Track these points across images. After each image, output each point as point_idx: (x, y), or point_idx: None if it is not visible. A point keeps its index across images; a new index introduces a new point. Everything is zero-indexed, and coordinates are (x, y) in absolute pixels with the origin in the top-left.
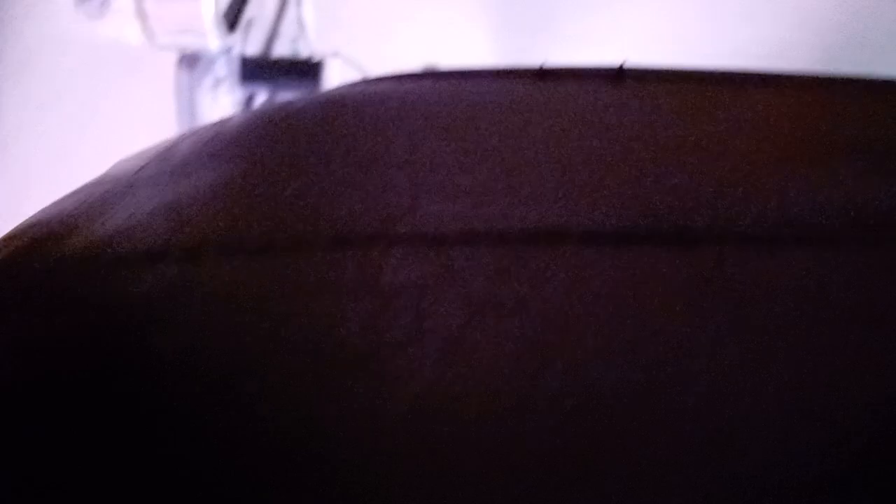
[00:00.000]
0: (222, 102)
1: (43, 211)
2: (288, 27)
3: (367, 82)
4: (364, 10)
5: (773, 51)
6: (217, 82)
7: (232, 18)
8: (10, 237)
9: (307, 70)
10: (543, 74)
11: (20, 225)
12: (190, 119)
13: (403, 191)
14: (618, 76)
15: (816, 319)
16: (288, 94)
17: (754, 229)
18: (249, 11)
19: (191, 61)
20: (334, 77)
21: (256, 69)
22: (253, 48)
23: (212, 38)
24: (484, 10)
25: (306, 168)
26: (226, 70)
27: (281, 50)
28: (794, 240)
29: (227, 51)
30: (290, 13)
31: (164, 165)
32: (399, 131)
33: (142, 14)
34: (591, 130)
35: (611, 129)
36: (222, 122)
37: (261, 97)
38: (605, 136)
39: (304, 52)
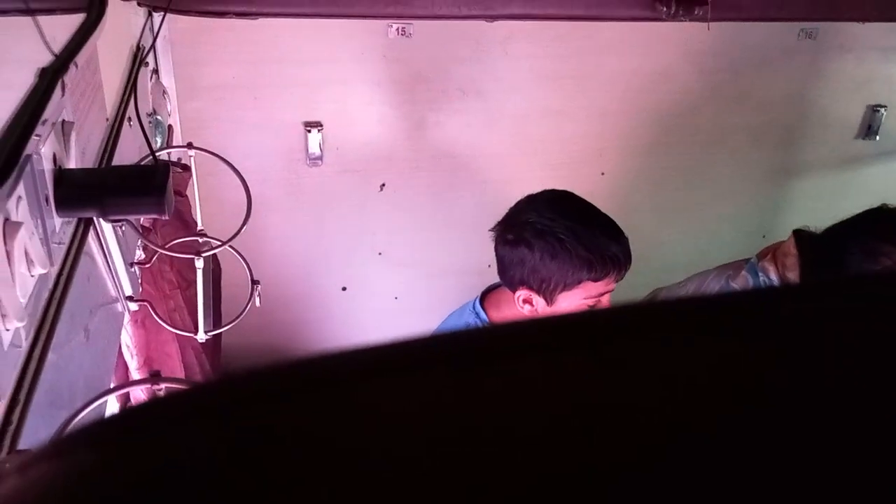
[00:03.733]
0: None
1: None
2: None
3: None
4: (232, 78)
5: (652, 78)
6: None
7: None
8: None
9: (148, 178)
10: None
11: None
12: None
13: None
14: None
15: None
16: (124, 214)
17: None
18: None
19: None
20: (193, 170)
21: (78, 187)
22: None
23: None
24: (361, 68)
25: None
26: (23, 205)
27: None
28: None
29: None
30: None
31: None
32: None
33: None
34: None
35: None
36: None
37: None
38: None
39: (163, 130)
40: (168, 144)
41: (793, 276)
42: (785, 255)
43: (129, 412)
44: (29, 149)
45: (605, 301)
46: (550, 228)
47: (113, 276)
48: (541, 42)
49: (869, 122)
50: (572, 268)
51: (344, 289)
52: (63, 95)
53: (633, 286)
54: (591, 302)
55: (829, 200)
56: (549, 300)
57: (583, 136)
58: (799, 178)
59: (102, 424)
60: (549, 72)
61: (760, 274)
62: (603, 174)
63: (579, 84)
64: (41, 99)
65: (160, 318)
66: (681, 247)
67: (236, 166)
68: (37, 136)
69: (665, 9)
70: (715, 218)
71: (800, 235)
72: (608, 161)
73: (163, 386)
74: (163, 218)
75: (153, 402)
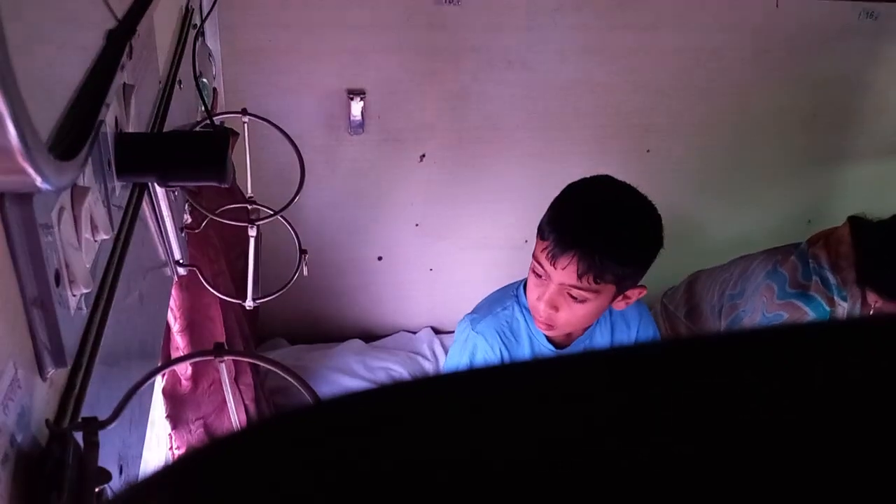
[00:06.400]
0: (93, 218)
1: None
2: (187, 69)
3: None
4: (277, 43)
5: (704, 55)
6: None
7: (68, 143)
8: None
9: (209, 145)
10: None
11: None
12: (33, 264)
13: None
14: None
15: None
16: (183, 181)
17: None
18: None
19: (19, 199)
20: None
21: (139, 152)
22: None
23: (34, 177)
24: (407, 36)
25: None
26: (89, 174)
27: (179, 114)
28: None
29: (65, 185)
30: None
31: None
32: None
33: None
34: None
35: None
36: None
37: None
38: None
39: (209, 93)
40: (213, 108)
41: (846, 264)
42: (838, 243)
43: (215, 451)
44: (99, 115)
45: (552, 293)
46: (576, 186)
47: (164, 241)
48: (591, 13)
49: None
50: (544, 215)
51: (380, 258)
52: (130, 59)
53: (676, 267)
54: (533, 263)
55: (878, 188)
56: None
57: (630, 112)
58: (849, 163)
59: (193, 465)
60: (599, 44)
61: (811, 261)
62: (648, 151)
63: (629, 58)
64: (111, 64)
65: (208, 283)
66: (724, 229)
67: (277, 131)
68: (106, 104)
69: None
70: (760, 201)
71: (856, 222)
72: (654, 139)
73: (226, 358)
74: (222, 185)
75: (237, 439)
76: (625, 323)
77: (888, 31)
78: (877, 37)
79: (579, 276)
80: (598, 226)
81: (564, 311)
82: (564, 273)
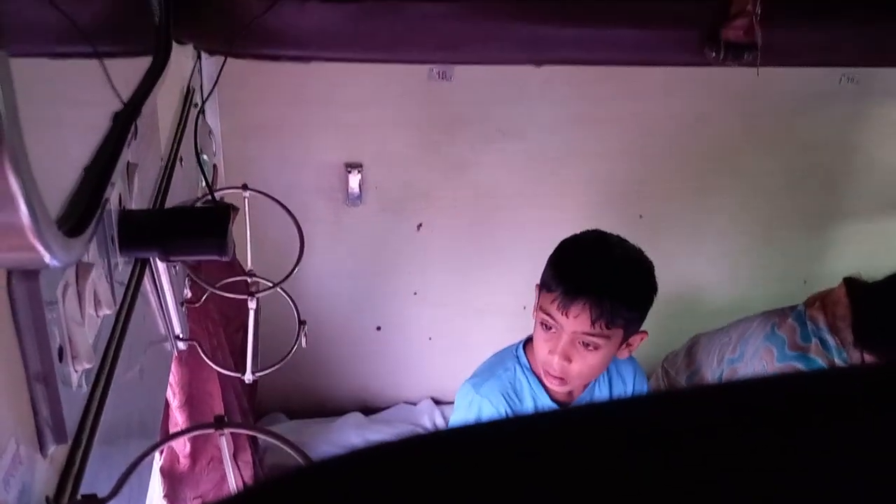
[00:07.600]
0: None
1: None
2: (188, 146)
3: None
4: (276, 119)
5: (692, 121)
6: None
7: (75, 220)
8: None
9: (210, 220)
10: None
11: None
12: (37, 339)
13: None
14: None
15: None
16: (185, 256)
17: None
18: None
19: (25, 275)
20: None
21: (141, 228)
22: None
23: (42, 253)
24: (401, 111)
25: None
26: (93, 251)
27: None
28: None
29: (71, 262)
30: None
31: None
32: None
33: None
34: None
35: None
36: None
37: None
38: None
39: (209, 169)
40: (214, 183)
41: (844, 325)
42: (835, 304)
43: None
44: (105, 194)
45: (565, 344)
46: (572, 240)
47: (164, 315)
48: (579, 85)
49: None
50: (545, 269)
51: (378, 328)
52: (135, 139)
53: (675, 330)
54: (542, 317)
55: (872, 247)
56: (538, 296)
57: (621, 179)
58: (841, 223)
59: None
60: (588, 114)
61: (809, 323)
62: (641, 217)
63: (617, 127)
64: (116, 144)
65: (208, 357)
66: (721, 291)
67: (276, 205)
68: (112, 182)
69: (714, 54)
70: (755, 263)
71: (851, 283)
72: (646, 204)
73: (226, 431)
74: (223, 259)
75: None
76: (621, 379)
77: (870, 93)
78: (859, 100)
79: (592, 323)
80: (604, 272)
81: (577, 361)
82: (577, 321)
